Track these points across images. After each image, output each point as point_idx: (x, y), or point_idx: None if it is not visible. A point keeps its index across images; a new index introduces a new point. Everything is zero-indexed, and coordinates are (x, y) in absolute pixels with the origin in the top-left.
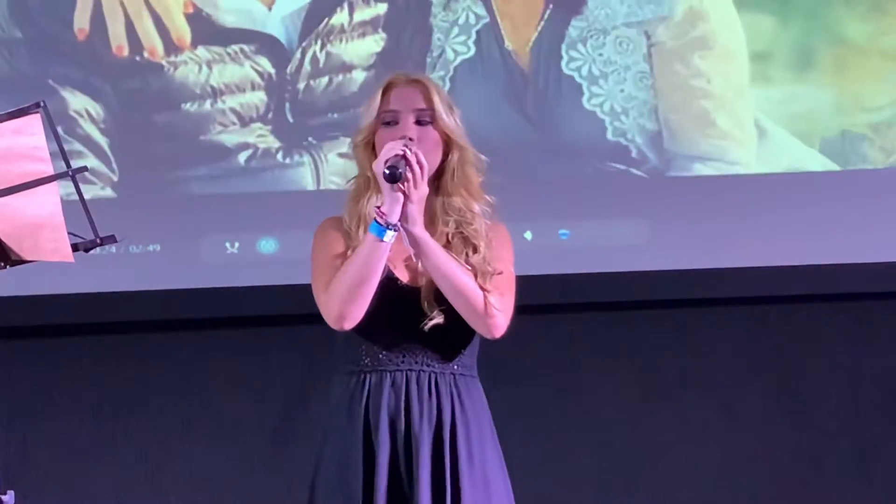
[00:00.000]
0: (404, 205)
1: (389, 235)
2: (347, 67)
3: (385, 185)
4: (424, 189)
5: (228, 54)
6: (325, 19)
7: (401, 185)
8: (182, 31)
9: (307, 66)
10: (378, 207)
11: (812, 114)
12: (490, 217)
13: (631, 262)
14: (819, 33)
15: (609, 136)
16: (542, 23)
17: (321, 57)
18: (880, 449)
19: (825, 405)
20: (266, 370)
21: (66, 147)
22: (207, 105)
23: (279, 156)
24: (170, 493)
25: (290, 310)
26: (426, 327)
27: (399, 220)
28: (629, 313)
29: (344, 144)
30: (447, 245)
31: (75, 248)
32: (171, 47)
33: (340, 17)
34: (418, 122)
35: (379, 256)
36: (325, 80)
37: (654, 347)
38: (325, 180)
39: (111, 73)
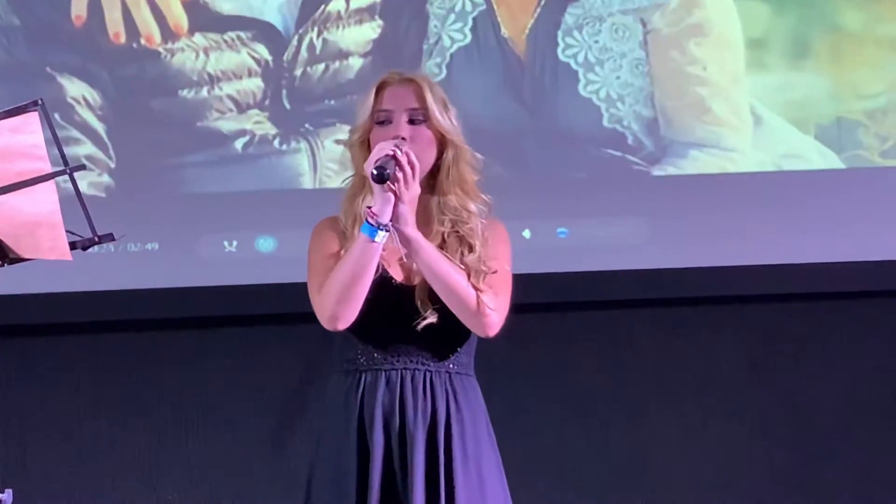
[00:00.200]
0: (395, 205)
1: (381, 236)
2: (344, 54)
3: (376, 186)
4: (416, 189)
5: (225, 41)
6: (322, 6)
7: (391, 186)
8: (179, 17)
9: (304, 53)
10: (369, 208)
11: (808, 101)
12: (487, 216)
13: (630, 261)
14: (815, 21)
15: (605, 123)
16: (539, 10)
17: (318, 44)
18: (880, 449)
19: (825, 404)
20: (264, 369)
21: (63, 133)
22: (204, 92)
23: (276, 142)
24: (167, 492)
25: (289, 308)
26: (419, 327)
27: (390, 221)
28: (628, 311)
29: (340, 131)
30: (443, 244)
31: (73, 246)
32: (168, 34)
33: (337, 5)
34: (411, 121)
35: (370, 257)
36: (321, 66)
37: (653, 346)
38: (322, 167)
39: (108, 59)
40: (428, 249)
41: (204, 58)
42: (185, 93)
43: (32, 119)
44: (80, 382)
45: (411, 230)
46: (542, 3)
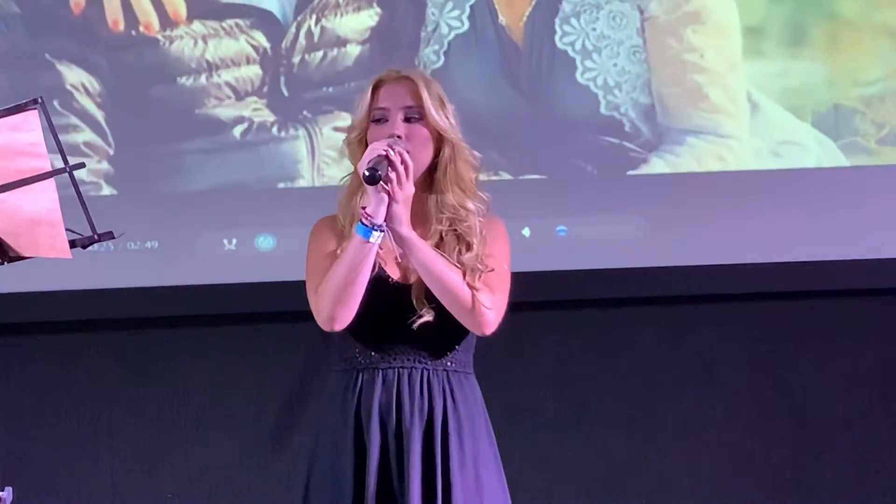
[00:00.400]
0: (389, 205)
1: (375, 236)
2: (342, 42)
3: (369, 187)
4: (410, 188)
5: (224, 28)
6: None
7: (383, 186)
8: (177, 5)
9: (302, 41)
10: (363, 208)
11: (804, 88)
12: (485, 214)
13: (629, 259)
14: (811, 8)
15: (602, 110)
16: None
17: (316, 31)
18: (880, 448)
19: (825, 403)
20: (264, 367)
21: (62, 121)
22: (203, 79)
23: (274, 129)
24: (167, 490)
25: (288, 306)
26: (415, 325)
27: (385, 221)
28: (627, 310)
29: (338, 118)
30: (441, 242)
31: (73, 244)
32: (167, 21)
33: None
34: (407, 119)
35: (365, 258)
36: (319, 54)
37: (653, 344)
38: (320, 154)
39: (107, 47)
40: (422, 248)
41: (202, 45)
42: (183, 80)
43: (32, 117)
44: (79, 381)
45: (406, 230)
46: None
